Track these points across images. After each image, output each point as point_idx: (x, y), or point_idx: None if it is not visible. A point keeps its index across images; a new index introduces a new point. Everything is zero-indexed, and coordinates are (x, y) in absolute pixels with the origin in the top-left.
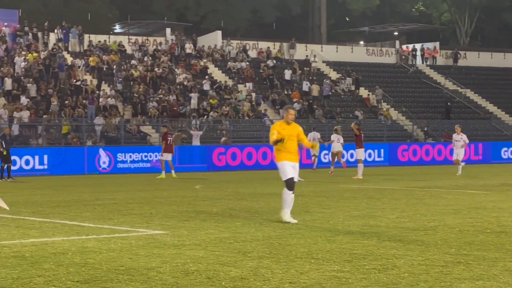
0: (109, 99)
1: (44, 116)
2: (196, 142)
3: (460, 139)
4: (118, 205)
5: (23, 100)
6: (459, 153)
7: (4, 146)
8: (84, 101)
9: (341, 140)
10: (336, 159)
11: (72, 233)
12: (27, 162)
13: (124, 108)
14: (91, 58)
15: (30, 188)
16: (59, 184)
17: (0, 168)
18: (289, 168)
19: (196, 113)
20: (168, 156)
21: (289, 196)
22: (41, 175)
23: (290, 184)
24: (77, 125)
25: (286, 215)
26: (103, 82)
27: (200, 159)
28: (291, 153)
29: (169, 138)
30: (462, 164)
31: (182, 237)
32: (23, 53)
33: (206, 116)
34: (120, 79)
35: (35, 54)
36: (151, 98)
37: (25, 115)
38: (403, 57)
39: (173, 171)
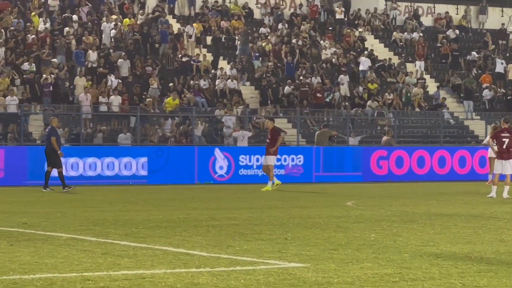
0: (229, 81)
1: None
2: (242, 144)
3: None
4: (240, 227)
5: (112, 81)
6: None
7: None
8: (192, 82)
9: None
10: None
11: (177, 264)
12: (113, 166)
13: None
14: (195, 25)
15: (121, 201)
16: (160, 197)
17: (58, 174)
18: None
19: (348, 102)
20: (272, 160)
21: None
22: (136, 184)
23: None
24: (185, 116)
25: None
26: (221, 57)
27: (353, 166)
28: None
29: (281, 136)
30: None
31: (328, 272)
32: (113, 17)
33: (361, 106)
34: (256, 53)
35: (128, 20)
36: (288, 81)
37: (115, 101)
38: None
39: (270, 182)
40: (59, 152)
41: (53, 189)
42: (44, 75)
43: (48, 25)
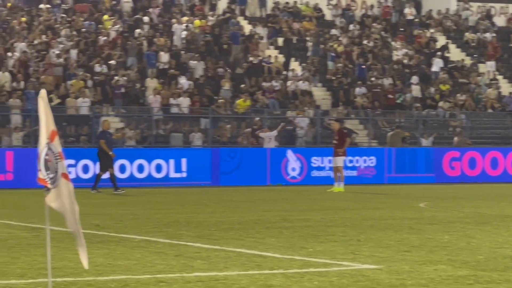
0: (300, 82)
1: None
2: (270, 146)
3: None
4: (313, 229)
5: (183, 82)
6: None
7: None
8: (264, 84)
9: None
10: None
11: (251, 265)
12: (188, 167)
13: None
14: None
15: (193, 203)
16: (232, 199)
17: (110, 177)
18: None
19: (420, 103)
20: (341, 161)
21: None
22: (208, 185)
23: None
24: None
25: None
26: (293, 59)
27: (426, 167)
28: None
29: (349, 137)
30: None
31: (402, 273)
32: (185, 19)
33: (433, 107)
34: (333, 54)
35: (198, 22)
36: (359, 82)
37: (184, 103)
38: None
39: (342, 183)
40: (110, 153)
41: (101, 191)
42: (116, 77)
43: (119, 26)
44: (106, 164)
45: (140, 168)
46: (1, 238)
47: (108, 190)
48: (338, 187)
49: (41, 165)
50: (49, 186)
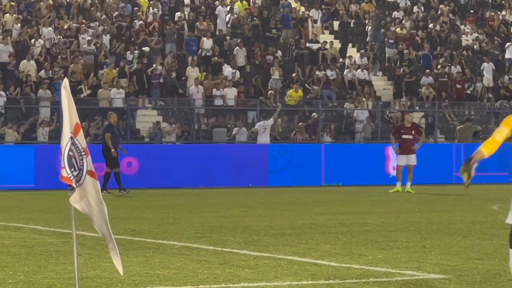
0: (358, 71)
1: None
2: (264, 139)
3: None
4: (373, 234)
5: (228, 71)
6: None
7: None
8: (317, 73)
9: None
10: None
11: (304, 275)
12: (229, 166)
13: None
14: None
15: (239, 205)
16: (282, 201)
17: (114, 175)
18: None
19: (492, 93)
20: (407, 160)
21: None
22: (255, 186)
23: None
24: (312, 110)
25: None
26: (350, 45)
27: (499, 165)
28: None
29: (423, 134)
30: None
31: (473, 284)
32: (229, 0)
33: (507, 98)
34: (391, 40)
35: (244, 3)
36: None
37: (230, 94)
38: None
39: (409, 183)
40: (112, 151)
41: (111, 192)
42: (154, 65)
43: (157, 9)
44: (111, 161)
45: None
46: (27, 244)
47: (136, 190)
48: (407, 187)
49: (65, 162)
50: (73, 185)
